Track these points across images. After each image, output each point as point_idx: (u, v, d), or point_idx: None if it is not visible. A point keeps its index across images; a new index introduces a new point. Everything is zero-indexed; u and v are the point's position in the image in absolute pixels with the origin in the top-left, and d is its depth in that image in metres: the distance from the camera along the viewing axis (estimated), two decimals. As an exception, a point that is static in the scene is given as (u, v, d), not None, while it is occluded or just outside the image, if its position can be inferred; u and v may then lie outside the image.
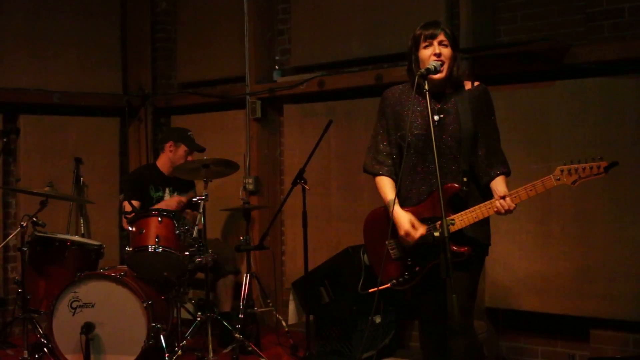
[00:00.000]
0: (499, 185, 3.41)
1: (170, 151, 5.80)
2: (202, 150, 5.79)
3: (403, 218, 3.40)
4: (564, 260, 4.82)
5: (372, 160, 3.63)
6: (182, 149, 5.77)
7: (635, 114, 4.57)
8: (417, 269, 3.44)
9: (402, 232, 3.39)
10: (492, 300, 5.11)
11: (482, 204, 3.34)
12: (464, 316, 3.28)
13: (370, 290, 3.60)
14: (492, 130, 3.52)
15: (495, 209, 3.30)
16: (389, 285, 3.52)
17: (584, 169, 3.18)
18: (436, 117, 3.41)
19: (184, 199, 5.56)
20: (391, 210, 3.42)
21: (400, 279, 3.49)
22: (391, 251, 3.50)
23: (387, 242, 3.50)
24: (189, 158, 5.74)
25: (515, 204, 3.30)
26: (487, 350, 5.14)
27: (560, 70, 4.84)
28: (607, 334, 4.73)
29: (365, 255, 3.96)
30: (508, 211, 3.30)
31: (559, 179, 3.23)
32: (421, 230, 3.37)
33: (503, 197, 3.29)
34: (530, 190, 3.26)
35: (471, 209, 3.33)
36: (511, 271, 4.99)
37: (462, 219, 3.33)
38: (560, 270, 4.83)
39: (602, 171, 3.16)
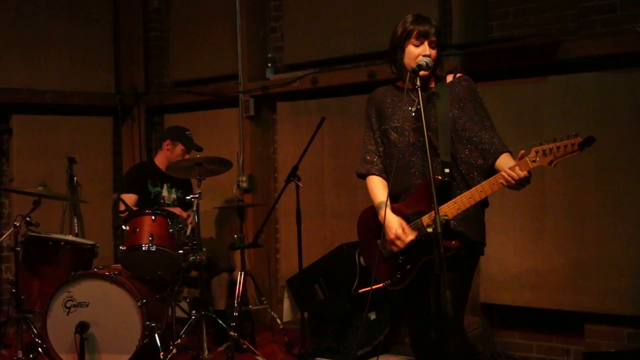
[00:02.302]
0: (507, 162, 3.25)
1: (168, 149, 5.80)
2: (199, 149, 5.78)
3: (394, 222, 3.35)
4: (558, 255, 4.83)
5: (361, 162, 3.62)
6: (179, 147, 5.77)
7: (628, 108, 4.58)
8: (408, 267, 3.42)
9: (392, 236, 3.33)
10: (486, 295, 5.12)
11: (463, 194, 3.24)
12: (451, 317, 3.22)
13: (360, 291, 3.59)
14: (482, 117, 3.43)
15: (504, 182, 3.13)
16: (382, 285, 3.50)
17: (558, 147, 3.04)
18: (413, 109, 3.40)
19: (184, 214, 5.53)
20: (382, 212, 3.38)
21: (394, 279, 3.46)
22: (382, 250, 3.48)
23: (378, 242, 3.49)
24: (186, 156, 5.74)
25: (518, 178, 3.11)
26: (482, 346, 5.15)
27: (553, 66, 4.84)
28: (602, 329, 4.74)
29: (362, 257, 3.91)
30: (519, 181, 3.10)
31: (534, 161, 3.09)
32: (411, 236, 3.32)
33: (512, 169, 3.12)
34: (508, 175, 3.11)
35: (453, 200, 3.25)
36: (505, 267, 5.00)
37: (445, 212, 3.28)
38: (554, 265, 4.83)
39: (577, 148, 3.01)
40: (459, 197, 3.25)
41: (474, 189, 3.23)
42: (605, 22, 4.77)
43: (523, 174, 3.11)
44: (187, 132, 5.83)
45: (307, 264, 5.26)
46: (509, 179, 3.13)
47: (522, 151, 3.15)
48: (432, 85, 3.49)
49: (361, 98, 5.63)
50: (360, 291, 3.66)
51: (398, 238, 3.32)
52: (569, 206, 4.78)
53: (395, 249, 3.37)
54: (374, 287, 3.43)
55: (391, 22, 5.29)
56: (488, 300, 5.14)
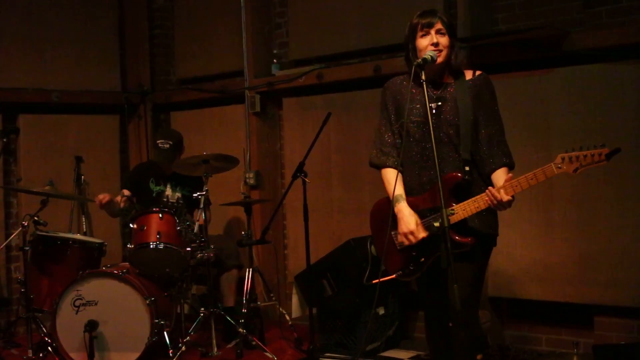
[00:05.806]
0: (500, 178, 3.36)
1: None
2: (164, 159, 5.66)
3: (410, 217, 3.38)
4: (566, 247, 4.81)
5: (377, 153, 3.60)
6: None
7: (635, 99, 4.55)
8: (422, 260, 3.43)
9: (405, 230, 3.37)
10: (495, 289, 5.11)
11: (484, 194, 3.29)
12: (467, 307, 3.26)
13: (374, 282, 3.59)
14: (494, 119, 3.48)
15: (488, 202, 3.25)
16: (394, 276, 3.51)
17: (585, 156, 3.10)
18: (433, 105, 3.40)
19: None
20: (399, 205, 3.41)
21: (406, 270, 3.48)
22: (396, 242, 3.49)
23: (392, 233, 3.49)
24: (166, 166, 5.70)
25: (512, 196, 3.22)
26: (491, 339, 5.13)
27: (559, 58, 4.81)
28: (611, 321, 4.72)
29: (373, 246, 3.94)
30: (501, 203, 3.22)
31: (560, 167, 3.15)
32: (423, 234, 3.36)
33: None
34: (532, 179, 3.19)
35: (473, 199, 3.29)
36: (514, 260, 4.99)
37: (464, 209, 3.30)
38: (562, 257, 4.82)
39: (604, 158, 3.08)
40: (479, 196, 3.29)
41: (479, 197, 3.30)
42: (611, 13, 4.74)
43: (507, 198, 3.21)
44: (158, 142, 5.70)
45: (315, 259, 5.25)
46: (492, 199, 3.23)
47: (510, 174, 3.26)
48: (450, 79, 3.49)
49: (367, 93, 5.63)
50: (373, 282, 3.66)
51: (411, 233, 3.36)
52: (577, 199, 4.76)
53: (406, 242, 3.39)
54: (385, 278, 3.46)
55: (396, 16, 5.28)
56: (497, 294, 5.12)
